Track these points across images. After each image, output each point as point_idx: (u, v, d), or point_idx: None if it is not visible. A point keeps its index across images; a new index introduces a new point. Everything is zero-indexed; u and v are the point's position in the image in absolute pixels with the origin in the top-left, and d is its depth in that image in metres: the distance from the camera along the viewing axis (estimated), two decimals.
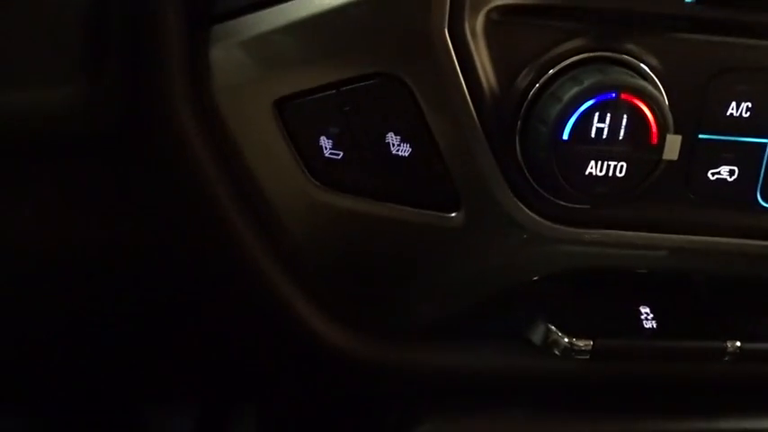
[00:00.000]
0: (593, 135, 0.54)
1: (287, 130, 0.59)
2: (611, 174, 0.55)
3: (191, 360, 0.85)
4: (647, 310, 0.71)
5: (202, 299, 0.72)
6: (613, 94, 0.54)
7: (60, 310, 0.75)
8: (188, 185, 0.62)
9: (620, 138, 0.55)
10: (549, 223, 0.60)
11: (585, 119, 0.54)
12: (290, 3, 0.58)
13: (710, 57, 0.58)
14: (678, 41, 0.58)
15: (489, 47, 0.56)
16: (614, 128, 0.54)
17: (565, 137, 0.54)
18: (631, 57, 0.56)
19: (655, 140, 0.55)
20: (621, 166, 0.55)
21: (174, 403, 1.07)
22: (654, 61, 0.57)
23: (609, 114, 0.54)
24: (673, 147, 0.55)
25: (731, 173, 0.60)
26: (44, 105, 0.60)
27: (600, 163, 0.55)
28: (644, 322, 0.70)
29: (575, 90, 0.54)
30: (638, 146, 0.55)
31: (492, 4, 0.55)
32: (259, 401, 0.96)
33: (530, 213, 0.59)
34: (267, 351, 0.78)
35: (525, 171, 0.57)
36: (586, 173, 0.55)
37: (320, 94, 0.58)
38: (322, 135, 0.59)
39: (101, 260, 0.70)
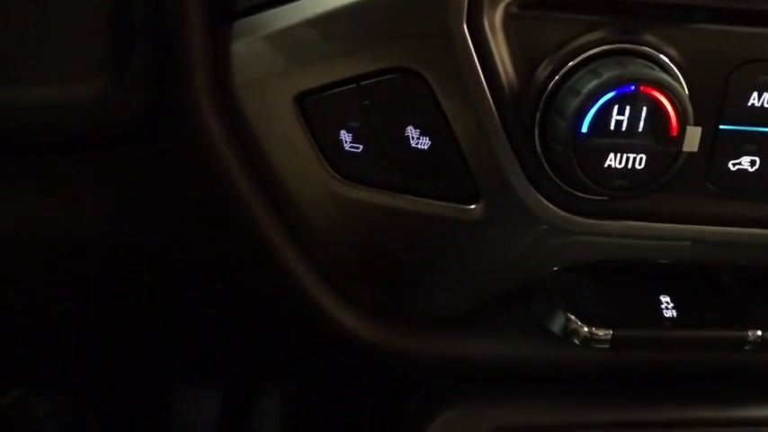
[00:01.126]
0: (612, 128, 0.53)
1: (308, 124, 0.59)
2: (630, 166, 0.54)
3: (220, 344, 0.86)
4: (668, 299, 0.70)
5: (231, 289, 0.72)
6: (632, 87, 0.53)
7: (97, 295, 0.76)
8: (212, 180, 0.62)
9: (640, 130, 0.54)
10: (568, 215, 0.59)
11: (605, 112, 0.53)
12: None
13: (731, 47, 0.57)
14: (698, 32, 0.57)
15: (508, 40, 0.55)
16: (634, 120, 0.53)
17: (584, 130, 0.53)
18: (651, 48, 0.55)
19: (674, 133, 0.54)
20: (641, 159, 0.54)
21: (203, 384, 1.08)
22: (674, 52, 0.56)
23: (628, 107, 0.53)
24: (693, 139, 0.54)
25: (752, 163, 0.59)
26: (71, 101, 0.60)
27: (619, 155, 0.54)
28: (664, 312, 0.69)
29: (594, 83, 0.52)
30: (657, 138, 0.54)
31: None
32: (284, 387, 0.97)
33: (549, 205, 0.58)
34: (293, 337, 0.78)
35: (545, 164, 0.57)
36: (605, 165, 0.54)
37: (340, 89, 0.57)
38: (342, 129, 0.58)
39: (133, 248, 0.70)
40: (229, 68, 0.60)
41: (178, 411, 1.11)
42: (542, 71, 0.55)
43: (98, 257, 0.71)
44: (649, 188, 0.55)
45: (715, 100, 0.57)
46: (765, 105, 0.57)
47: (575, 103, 0.53)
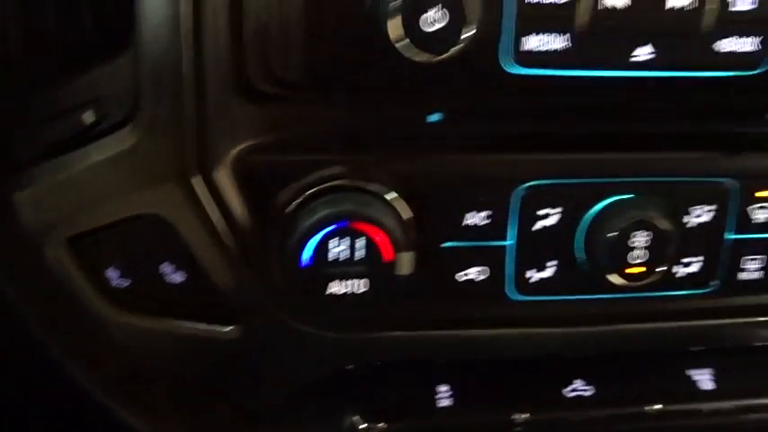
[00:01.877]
0: (330, 259, 0.60)
1: (80, 263, 0.65)
2: (352, 291, 0.61)
3: None
4: (446, 388, 0.77)
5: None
6: (345, 223, 0.60)
7: None
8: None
9: (357, 259, 0.60)
10: (317, 330, 0.66)
11: (323, 245, 0.60)
12: (77, 151, 0.64)
13: (449, 171, 0.64)
14: (419, 160, 0.64)
15: (239, 183, 0.61)
16: (350, 251, 0.60)
17: (304, 262, 0.60)
18: (371, 182, 0.62)
19: (388, 259, 0.61)
20: (360, 283, 0.61)
21: None
22: (392, 183, 0.63)
23: (345, 239, 0.60)
24: (405, 262, 0.61)
25: (480, 273, 0.66)
26: None
27: (341, 282, 0.61)
28: (439, 401, 0.76)
29: (309, 221, 0.59)
30: (373, 265, 0.61)
31: (237, 148, 0.61)
32: None
33: (295, 323, 0.65)
34: None
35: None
36: (328, 292, 0.61)
37: (104, 233, 0.64)
38: (110, 267, 0.65)
39: None
40: (11, 217, 0.66)
41: None
42: (273, 209, 0.62)
43: None
44: (371, 309, 0.62)
45: (436, 221, 0.64)
46: (479, 224, 0.64)
47: (294, 238, 0.60)
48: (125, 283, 0.65)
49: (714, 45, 0.62)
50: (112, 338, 0.68)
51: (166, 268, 0.63)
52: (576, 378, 0.77)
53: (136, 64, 0.58)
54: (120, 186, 0.62)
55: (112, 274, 0.65)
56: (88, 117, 0.60)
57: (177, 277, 0.64)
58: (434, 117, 0.65)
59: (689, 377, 0.79)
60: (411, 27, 0.55)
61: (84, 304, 0.66)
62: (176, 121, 0.59)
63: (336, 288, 0.61)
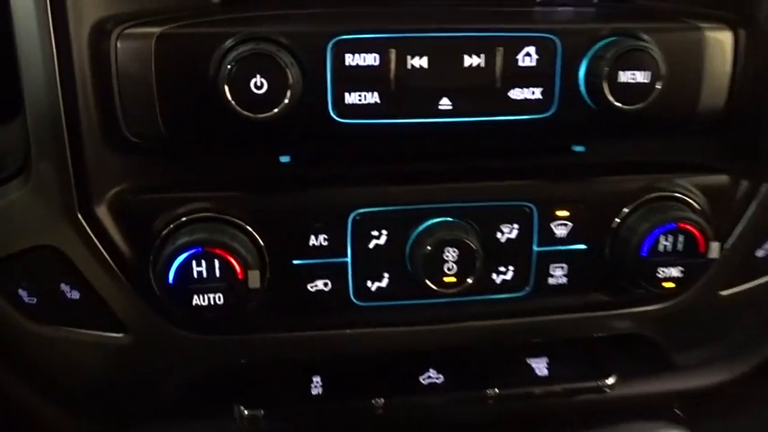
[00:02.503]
0: (195, 276, 0.73)
1: None
2: (213, 303, 0.74)
3: None
4: (318, 378, 0.90)
5: None
6: (200, 248, 0.73)
7: None
8: None
9: (216, 276, 0.73)
10: (192, 334, 0.79)
11: (186, 266, 0.73)
12: None
13: (294, 203, 0.77)
14: (272, 196, 0.77)
15: (118, 217, 0.75)
16: (209, 270, 0.73)
17: (170, 281, 0.73)
18: (225, 215, 0.75)
19: (240, 276, 0.74)
20: (219, 297, 0.74)
21: None
22: (245, 215, 0.75)
23: (203, 261, 0.73)
24: (254, 278, 0.73)
25: (326, 284, 0.79)
26: None
27: (202, 296, 0.74)
28: (313, 389, 0.89)
29: (171, 248, 0.72)
30: (229, 281, 0.73)
31: (113, 191, 0.74)
32: None
33: (175, 329, 0.79)
34: None
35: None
36: (193, 305, 0.74)
37: (12, 260, 0.77)
38: (19, 288, 0.78)
39: None
40: None
41: None
42: (146, 238, 0.75)
43: None
44: (233, 317, 0.75)
45: (285, 243, 0.77)
46: (322, 244, 0.77)
47: (161, 262, 0.72)
48: (33, 300, 0.78)
49: (509, 93, 0.74)
50: (28, 344, 0.81)
51: (65, 287, 0.77)
52: (430, 368, 0.90)
53: (25, 127, 0.71)
54: (20, 224, 0.74)
55: (23, 293, 0.78)
56: None
57: (74, 294, 0.77)
58: (285, 158, 0.78)
59: (528, 365, 0.92)
60: (240, 92, 0.68)
61: (4, 317, 0.80)
62: (60, 170, 0.72)
63: (198, 301, 0.73)
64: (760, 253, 0.87)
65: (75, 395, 0.86)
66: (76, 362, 0.82)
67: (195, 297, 0.73)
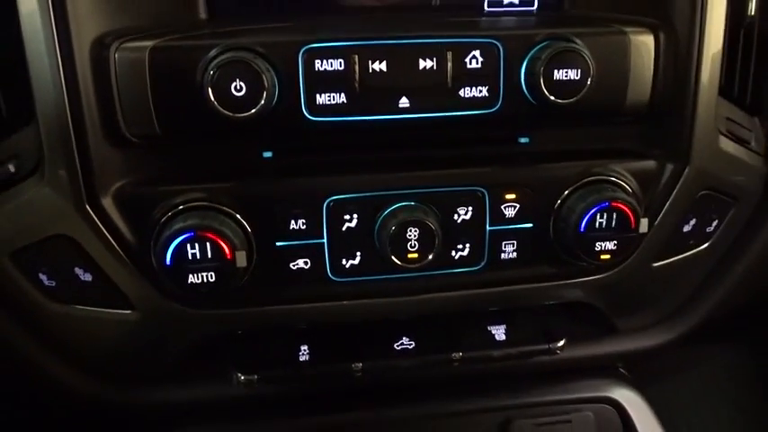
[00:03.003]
0: (189, 257, 0.74)
1: (20, 270, 0.79)
2: (205, 281, 0.75)
3: None
4: (306, 347, 0.90)
5: None
6: (192, 233, 0.74)
7: None
8: None
9: (208, 257, 0.75)
10: (189, 309, 0.80)
11: (181, 248, 0.74)
12: (8, 192, 0.78)
13: (276, 192, 0.79)
14: (256, 186, 0.78)
15: (122, 208, 0.78)
16: (201, 252, 0.75)
17: (168, 262, 0.75)
18: (215, 203, 0.77)
19: (229, 256, 0.75)
20: (211, 275, 0.75)
21: None
22: (233, 203, 0.77)
23: (197, 244, 0.74)
24: (240, 258, 0.75)
25: (306, 263, 0.80)
26: None
27: (196, 275, 0.75)
28: (301, 356, 0.89)
29: (166, 233, 0.75)
30: (219, 261, 0.76)
31: (117, 184, 0.77)
32: None
33: (175, 305, 0.80)
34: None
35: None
36: (189, 282, 0.75)
37: (32, 248, 0.79)
38: (40, 272, 0.80)
39: None
40: None
41: None
42: (147, 226, 0.76)
43: None
44: (222, 292, 0.76)
45: (270, 229, 0.78)
46: (302, 227, 0.78)
47: (159, 246, 0.75)
48: (52, 282, 0.79)
49: (459, 92, 0.75)
50: (50, 321, 0.83)
51: (78, 271, 0.79)
52: (404, 336, 0.91)
53: (38, 132, 0.73)
54: (38, 216, 0.79)
55: (43, 277, 0.79)
56: (11, 168, 0.76)
57: (87, 277, 0.79)
58: (267, 154, 0.79)
59: (489, 331, 0.92)
60: (222, 95, 0.69)
61: (29, 298, 0.81)
62: (69, 168, 0.76)
63: (192, 279, 0.75)
64: (686, 228, 0.88)
65: (90, 361, 0.90)
66: (91, 335, 0.86)
67: (190, 276, 0.77)
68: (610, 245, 0.83)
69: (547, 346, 0.94)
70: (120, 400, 0.93)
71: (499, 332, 0.97)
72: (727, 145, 0.88)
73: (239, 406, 0.95)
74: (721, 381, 1.31)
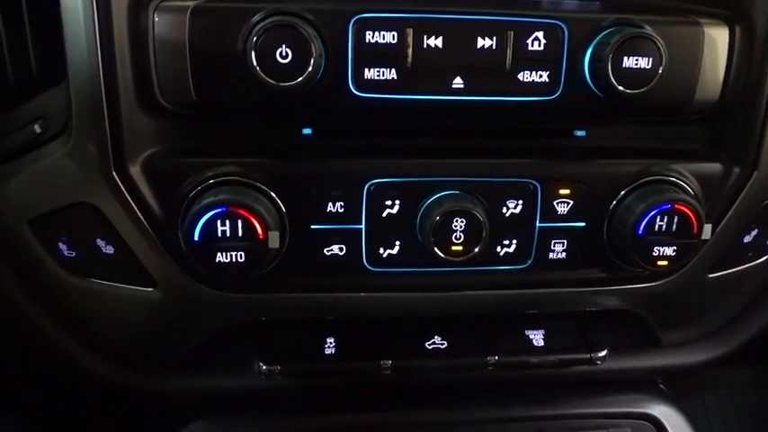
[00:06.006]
0: (219, 235, 0.67)
1: (39, 238, 0.73)
2: (234, 261, 0.68)
3: None
4: (332, 340, 0.83)
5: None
6: (224, 208, 0.66)
7: None
8: None
9: (239, 236, 0.67)
10: (217, 292, 0.73)
11: (211, 225, 0.67)
12: (31, 154, 0.71)
13: (315, 171, 0.71)
14: (294, 164, 0.71)
15: (150, 178, 0.69)
16: (232, 230, 0.67)
17: (196, 238, 0.67)
18: (249, 179, 0.69)
19: (261, 236, 0.67)
20: (241, 255, 0.68)
21: None
22: (268, 180, 0.69)
23: (227, 221, 0.67)
24: (274, 239, 0.68)
25: (341, 249, 0.73)
26: None
27: (225, 254, 0.68)
28: (326, 349, 0.82)
29: (196, 207, 0.67)
30: (250, 241, 0.67)
31: (146, 153, 0.69)
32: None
33: (200, 286, 0.72)
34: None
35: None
36: (216, 261, 0.68)
37: (52, 216, 0.71)
38: (59, 242, 0.72)
39: None
40: None
41: None
42: (175, 199, 0.69)
43: None
44: (254, 274, 0.69)
45: (306, 209, 0.71)
46: (339, 211, 0.71)
47: (188, 221, 0.67)
48: (72, 253, 0.72)
49: (518, 76, 0.68)
50: (66, 295, 0.76)
51: (100, 242, 0.71)
52: (435, 334, 0.83)
53: (68, 92, 0.66)
54: (61, 181, 0.70)
55: (63, 247, 0.72)
56: (37, 128, 0.68)
57: (109, 249, 0.71)
58: (307, 131, 0.72)
59: (526, 336, 0.84)
60: (266, 61, 0.62)
61: (46, 269, 0.74)
62: (98, 132, 0.67)
63: (221, 258, 0.68)
64: (747, 239, 0.80)
65: (107, 343, 0.81)
66: (110, 313, 0.77)
67: (219, 254, 0.68)
68: (668, 250, 0.73)
69: (588, 356, 0.83)
70: (136, 384, 0.83)
71: (537, 338, 0.88)
72: None
73: (258, 399, 0.88)
74: (751, 398, 1.23)
